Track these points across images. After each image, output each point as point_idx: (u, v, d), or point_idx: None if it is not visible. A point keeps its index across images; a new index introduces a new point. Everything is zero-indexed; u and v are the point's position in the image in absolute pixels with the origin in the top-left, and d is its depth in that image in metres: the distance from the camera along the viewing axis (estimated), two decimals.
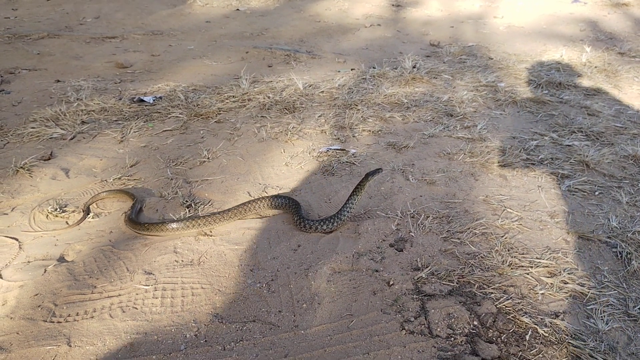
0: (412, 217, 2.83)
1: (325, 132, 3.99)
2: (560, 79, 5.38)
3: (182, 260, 2.52)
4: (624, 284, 2.45)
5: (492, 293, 2.30)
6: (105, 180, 3.32)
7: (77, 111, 4.48)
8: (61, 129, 4.09)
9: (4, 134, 4.05)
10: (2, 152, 3.70)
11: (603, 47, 6.94)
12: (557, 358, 2.00)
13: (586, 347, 2.06)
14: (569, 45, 7.09)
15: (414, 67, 5.85)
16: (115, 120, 4.36)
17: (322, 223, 2.70)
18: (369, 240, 2.64)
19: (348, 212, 2.72)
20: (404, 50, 6.92)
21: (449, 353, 1.99)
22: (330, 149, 3.64)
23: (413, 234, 2.68)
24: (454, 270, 2.41)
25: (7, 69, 6.00)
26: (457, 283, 2.34)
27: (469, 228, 2.73)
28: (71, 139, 4.00)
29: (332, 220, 2.71)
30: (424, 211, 2.88)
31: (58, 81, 5.58)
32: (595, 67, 5.84)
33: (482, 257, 2.53)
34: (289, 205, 2.87)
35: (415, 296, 2.25)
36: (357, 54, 6.75)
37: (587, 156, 3.56)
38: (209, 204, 3.03)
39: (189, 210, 2.94)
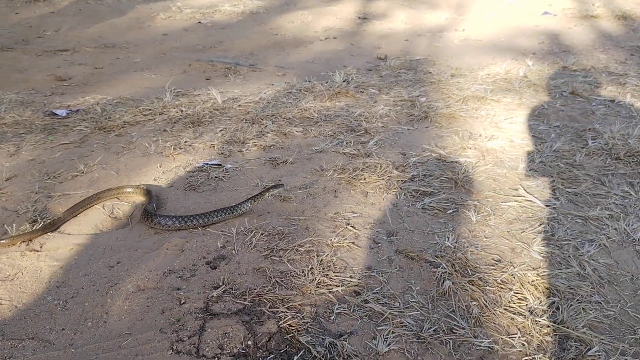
0: (244, 234, 2.81)
1: (214, 147, 4.01)
2: (485, 94, 5.34)
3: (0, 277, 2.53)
4: (430, 304, 2.43)
5: (282, 312, 2.29)
6: None
7: None
8: None
9: None
10: None
11: (550, 60, 6.87)
12: None
13: None
14: (518, 59, 7.05)
15: (344, 81, 5.85)
16: (22, 133, 4.42)
17: (172, 219, 2.87)
18: (189, 257, 2.65)
19: (205, 219, 2.88)
20: (350, 63, 6.93)
21: None
22: (207, 164, 3.66)
23: (235, 252, 2.67)
24: (254, 289, 2.41)
25: None
26: (250, 302, 2.34)
27: (295, 246, 2.72)
28: None
29: (183, 219, 2.85)
30: (259, 228, 2.87)
31: None
32: (528, 81, 5.79)
33: (292, 276, 2.53)
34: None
35: (199, 315, 2.25)
36: (301, 68, 6.78)
37: (458, 174, 3.52)
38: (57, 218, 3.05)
39: (32, 225, 2.95)
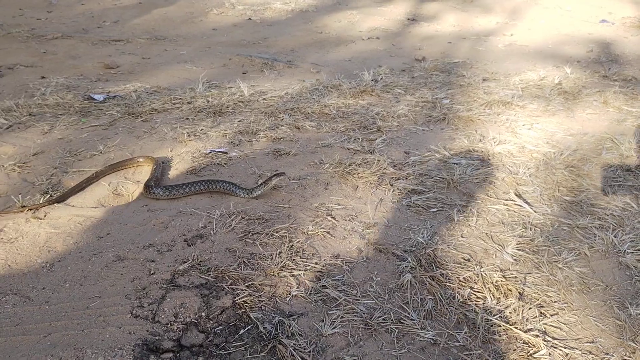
0: (227, 216, 3.00)
1: (226, 136, 4.22)
2: (511, 100, 5.32)
3: (2, 238, 2.84)
4: (387, 295, 2.53)
5: (241, 289, 2.45)
6: (2, 165, 3.69)
7: (31, 104, 4.93)
8: (4, 119, 4.54)
9: None
10: None
11: (592, 69, 6.71)
12: (260, 351, 2.14)
13: (295, 345, 2.18)
14: (560, 66, 6.91)
15: (373, 80, 5.95)
16: (60, 114, 4.78)
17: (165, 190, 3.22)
18: (170, 233, 2.86)
19: (195, 187, 3.23)
20: (385, 63, 7.01)
21: (156, 337, 2.18)
22: (214, 151, 3.87)
23: (213, 232, 2.86)
24: (220, 267, 2.58)
25: (9, 64, 6.63)
26: (213, 278, 2.51)
27: (271, 231, 2.88)
28: (7, 128, 4.44)
29: (176, 188, 3.23)
30: (242, 213, 3.05)
31: (43, 77, 6.11)
32: (560, 89, 5.70)
33: (260, 257, 2.68)
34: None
35: (164, 285, 2.45)
36: (336, 66, 6.92)
37: (454, 175, 3.58)
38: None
39: (44, 196, 3.25)
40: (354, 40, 8.28)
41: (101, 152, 3.92)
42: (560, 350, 2.32)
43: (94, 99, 5.22)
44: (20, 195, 3.19)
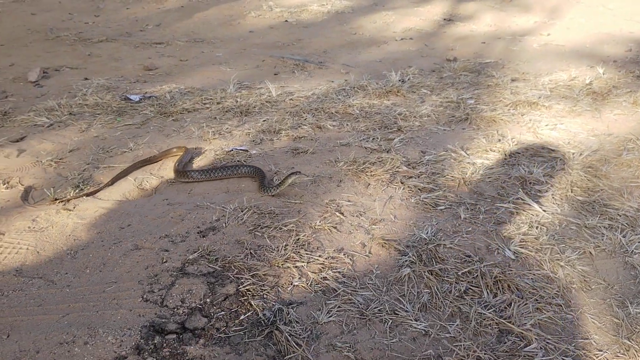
0: (239, 210, 3.17)
1: (249, 135, 4.41)
2: (538, 100, 5.32)
3: (34, 227, 3.09)
4: (385, 288, 2.65)
5: (245, 278, 2.62)
6: (40, 161, 3.98)
7: (72, 104, 5.25)
8: (46, 118, 4.86)
9: (7, 119, 4.91)
10: None
11: (627, 69, 6.61)
12: (258, 336, 2.30)
13: (291, 331, 2.33)
14: (595, 66, 6.83)
15: (401, 80, 6.04)
16: (98, 114, 5.08)
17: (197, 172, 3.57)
18: (186, 225, 3.05)
19: (220, 173, 3.58)
20: (416, 64, 7.08)
21: (163, 320, 2.37)
22: (235, 148, 4.06)
23: (225, 225, 3.04)
24: (228, 257, 2.75)
25: (56, 66, 7.03)
26: (220, 267, 2.69)
27: (280, 225, 3.04)
28: (48, 126, 4.76)
29: (204, 172, 3.57)
30: (254, 207, 3.22)
31: (86, 79, 6.46)
32: (589, 89, 5.66)
33: (266, 249, 2.84)
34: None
35: (174, 273, 2.64)
36: (366, 66, 7.03)
37: (466, 174, 3.66)
38: (97, 185, 3.58)
39: (75, 190, 3.50)
40: (387, 41, 8.36)
41: (131, 150, 4.15)
42: (553, 345, 2.37)
43: (131, 99, 5.49)
44: (52, 189, 3.42)
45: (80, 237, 2.96)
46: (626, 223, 3.25)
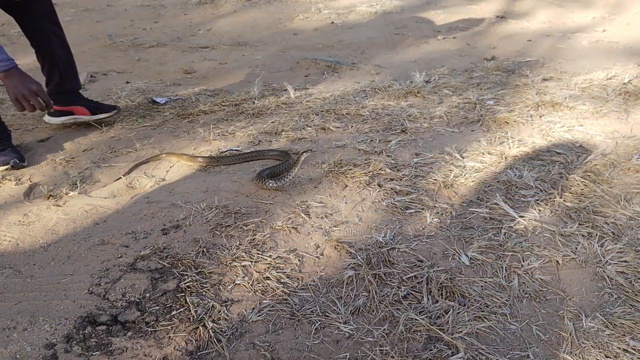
0: (208, 209, 3.29)
1: (250, 136, 4.53)
2: (563, 101, 5.10)
3: (23, 221, 3.35)
4: (324, 289, 2.68)
5: (189, 276, 2.73)
6: (54, 159, 4.29)
7: None
8: None
9: (42, 120, 5.30)
10: (20, 133, 4.92)
11: None
12: (183, 331, 2.41)
13: (215, 328, 2.42)
14: None
15: (426, 81, 5.96)
16: (124, 115, 5.37)
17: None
18: (153, 223, 3.20)
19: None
20: (451, 64, 6.95)
21: (100, 312, 2.52)
22: (231, 149, 4.19)
23: (189, 223, 3.17)
24: (179, 254, 2.87)
25: (104, 71, 7.49)
26: (169, 264, 2.81)
27: (240, 224, 3.13)
28: (74, 127, 5.11)
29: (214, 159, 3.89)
30: (223, 207, 3.32)
31: (127, 82, 6.84)
32: (624, 89, 5.34)
33: (219, 248, 2.94)
34: None
35: (124, 268, 2.79)
36: (398, 67, 6.98)
37: (449, 177, 3.59)
38: (94, 184, 3.82)
39: (71, 187, 3.75)
40: (428, 40, 8.21)
41: (136, 150, 4.37)
42: (484, 355, 2.30)
43: (157, 102, 5.74)
44: (45, 186, 3.67)
45: (58, 232, 3.15)
46: (611, 232, 3.06)
